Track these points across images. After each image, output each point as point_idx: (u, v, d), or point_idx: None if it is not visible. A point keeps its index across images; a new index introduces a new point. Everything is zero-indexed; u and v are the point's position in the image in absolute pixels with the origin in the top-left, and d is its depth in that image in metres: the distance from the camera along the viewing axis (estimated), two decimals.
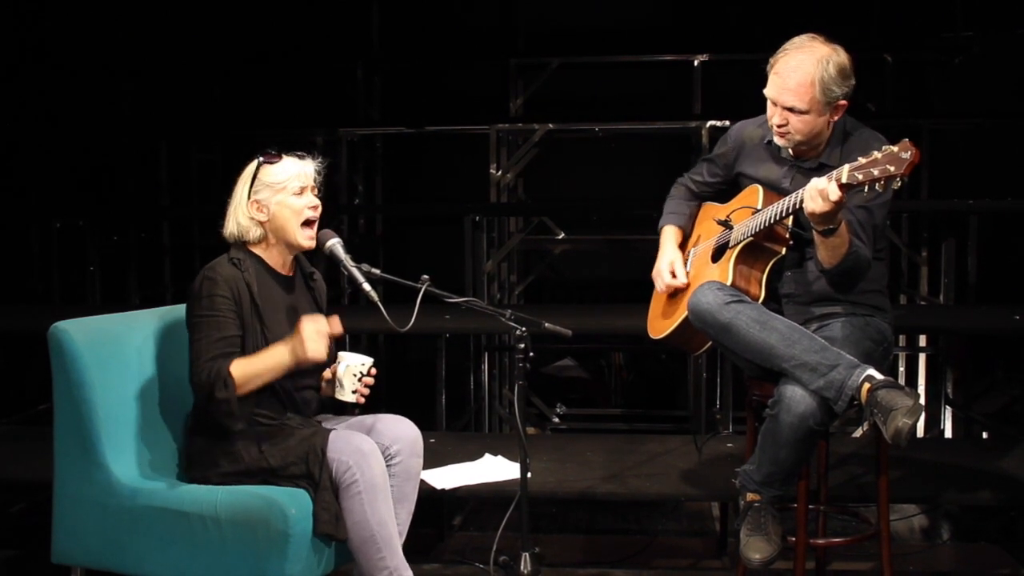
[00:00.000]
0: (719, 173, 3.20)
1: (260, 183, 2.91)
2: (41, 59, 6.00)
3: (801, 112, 2.82)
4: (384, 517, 2.76)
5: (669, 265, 3.17)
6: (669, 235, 3.25)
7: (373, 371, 2.94)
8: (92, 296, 5.45)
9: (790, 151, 2.97)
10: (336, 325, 2.82)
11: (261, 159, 2.94)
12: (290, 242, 2.94)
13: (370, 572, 2.76)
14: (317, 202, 2.95)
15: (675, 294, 3.17)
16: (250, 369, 2.78)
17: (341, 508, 2.75)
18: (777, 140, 2.93)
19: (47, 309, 5.19)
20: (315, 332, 2.76)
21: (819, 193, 2.62)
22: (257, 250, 2.95)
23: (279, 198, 2.90)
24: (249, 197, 2.91)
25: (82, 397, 2.84)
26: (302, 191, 2.92)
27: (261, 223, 2.92)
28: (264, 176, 2.91)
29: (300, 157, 2.98)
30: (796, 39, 2.88)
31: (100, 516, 2.86)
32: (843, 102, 2.84)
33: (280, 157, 2.95)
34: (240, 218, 2.92)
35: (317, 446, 2.76)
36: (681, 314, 3.01)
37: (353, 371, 2.90)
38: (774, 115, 2.88)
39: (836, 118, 2.88)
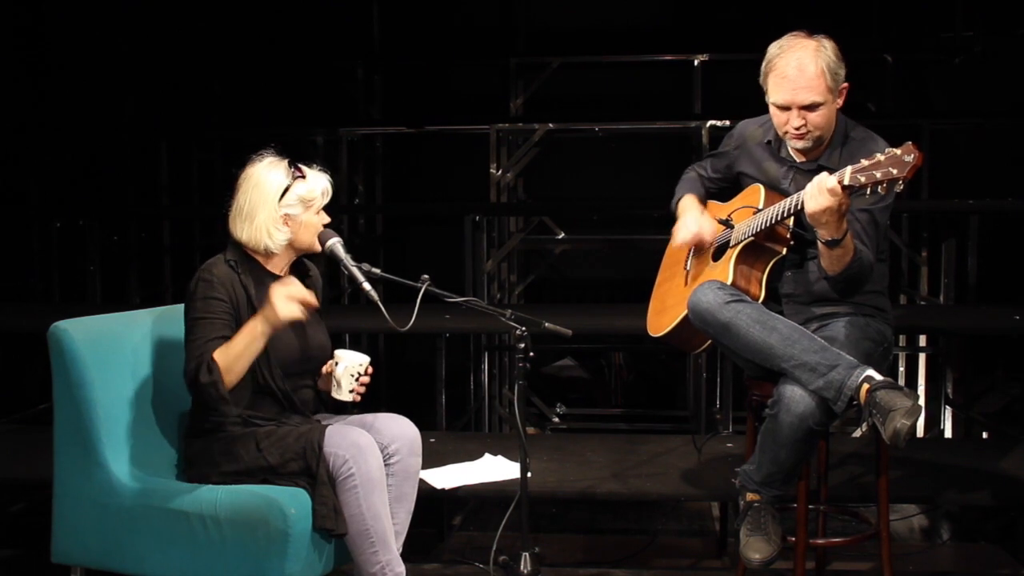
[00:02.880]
0: (721, 170, 3.20)
1: (294, 196, 2.90)
2: (41, 59, 6.00)
3: (818, 106, 2.82)
4: (379, 511, 2.76)
5: (697, 222, 3.08)
6: (691, 201, 3.18)
7: (370, 370, 2.94)
8: (92, 296, 5.45)
9: (791, 152, 2.97)
10: (310, 298, 2.82)
11: (295, 173, 2.91)
12: (304, 249, 2.97)
13: (363, 565, 2.77)
14: (328, 219, 2.98)
15: (675, 291, 3.17)
16: (231, 350, 2.77)
17: (339, 502, 2.75)
18: (795, 144, 2.90)
19: (47, 308, 5.19)
20: (285, 294, 2.76)
21: (817, 188, 2.61)
22: (254, 254, 2.95)
23: (307, 215, 2.92)
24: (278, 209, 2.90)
25: (82, 397, 2.84)
26: (320, 208, 2.96)
27: (286, 236, 2.92)
28: (299, 191, 2.90)
29: (320, 171, 2.98)
30: (781, 41, 2.88)
31: (100, 515, 2.86)
32: (845, 84, 2.86)
33: (304, 171, 2.94)
34: (272, 230, 2.89)
35: (314, 441, 2.76)
36: (681, 312, 3.01)
37: (351, 371, 2.90)
38: (789, 120, 2.85)
39: (841, 103, 2.88)
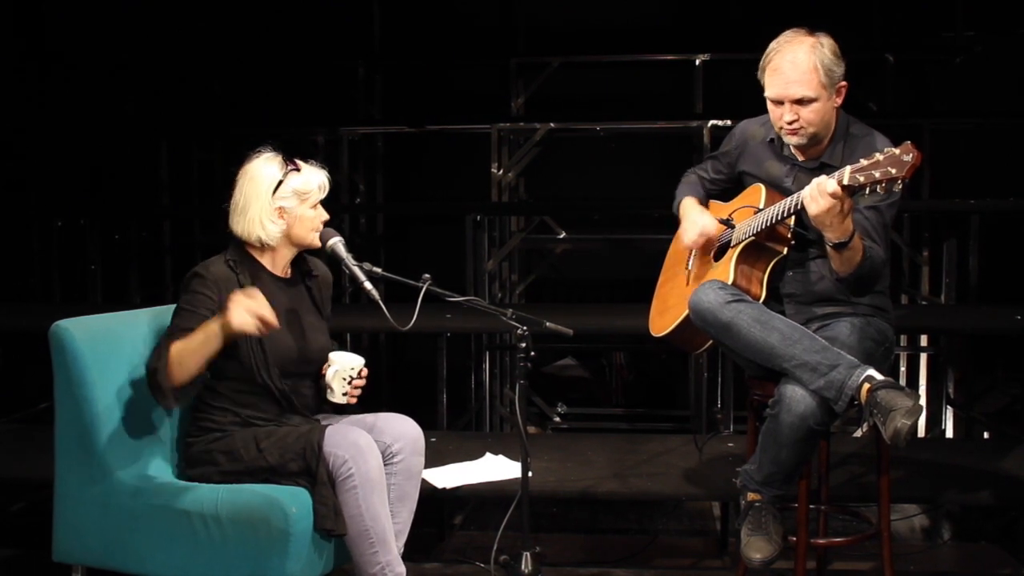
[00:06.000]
0: (723, 170, 3.20)
1: (287, 189, 2.90)
2: (42, 58, 6.00)
3: (811, 101, 2.82)
4: (378, 512, 2.76)
5: (702, 222, 3.09)
6: (692, 202, 3.20)
7: (364, 372, 2.93)
8: (93, 295, 5.45)
9: (793, 150, 2.97)
10: (270, 315, 2.70)
11: (289, 167, 2.92)
12: (303, 245, 2.97)
13: (363, 566, 2.78)
14: (327, 216, 2.98)
15: (676, 291, 3.17)
16: (186, 344, 2.73)
17: (339, 502, 2.75)
18: (790, 140, 2.90)
19: (48, 308, 5.20)
20: (244, 306, 2.68)
21: (818, 191, 2.61)
22: (255, 252, 2.95)
23: (302, 208, 2.92)
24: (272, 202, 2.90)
25: (83, 396, 2.84)
26: (316, 203, 2.95)
27: (281, 228, 2.93)
28: (293, 184, 2.91)
29: (318, 167, 2.99)
30: (780, 37, 2.89)
31: (101, 515, 2.86)
32: (843, 83, 2.86)
33: (299, 165, 2.95)
34: (265, 222, 2.90)
35: (313, 441, 2.77)
36: (682, 312, 3.01)
37: (342, 374, 2.90)
38: (782, 115, 2.85)
39: (840, 101, 2.88)
